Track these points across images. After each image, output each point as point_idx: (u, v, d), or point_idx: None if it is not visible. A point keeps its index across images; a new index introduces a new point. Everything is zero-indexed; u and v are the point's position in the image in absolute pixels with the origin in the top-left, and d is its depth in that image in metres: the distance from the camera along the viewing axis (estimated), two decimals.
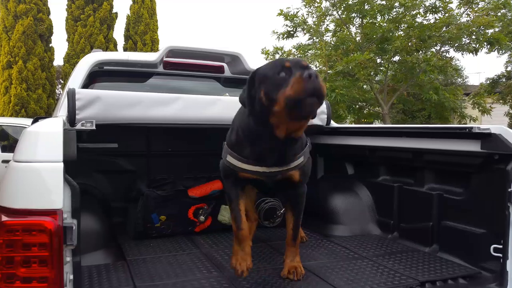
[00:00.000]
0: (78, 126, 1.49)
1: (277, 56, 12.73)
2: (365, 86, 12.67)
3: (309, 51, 12.55)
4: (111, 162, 3.23)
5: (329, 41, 12.55)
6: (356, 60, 10.76)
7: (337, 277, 1.98)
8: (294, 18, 12.37)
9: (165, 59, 3.49)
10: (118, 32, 34.32)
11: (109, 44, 12.92)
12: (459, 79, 14.72)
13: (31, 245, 1.21)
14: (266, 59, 12.81)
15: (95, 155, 3.17)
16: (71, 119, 2.49)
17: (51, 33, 12.26)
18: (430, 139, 2.40)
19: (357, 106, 13.49)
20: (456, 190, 2.35)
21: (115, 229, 2.80)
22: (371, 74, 11.95)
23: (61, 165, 1.30)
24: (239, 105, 1.96)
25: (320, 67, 12.31)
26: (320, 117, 3.27)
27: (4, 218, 1.22)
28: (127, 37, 13.68)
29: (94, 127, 1.56)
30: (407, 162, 2.66)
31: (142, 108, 2.66)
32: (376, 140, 2.87)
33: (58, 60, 19.35)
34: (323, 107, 3.27)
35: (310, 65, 1.78)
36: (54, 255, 1.22)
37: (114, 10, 13.21)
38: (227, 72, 3.71)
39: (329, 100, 11.81)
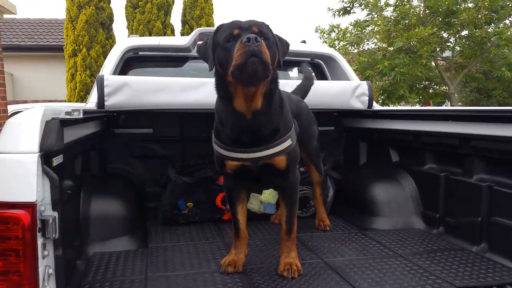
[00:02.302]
0: (62, 115, 1.43)
1: (333, 35, 12.19)
2: (432, 63, 11.71)
3: (367, 28, 11.84)
4: (146, 147, 3.25)
5: (388, 16, 11.72)
6: (418, 35, 9.95)
7: (361, 277, 1.80)
8: None
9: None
10: (175, 18, 35.09)
11: (166, 30, 13.15)
12: None
13: (6, 238, 1.17)
14: (321, 38, 12.34)
15: (130, 140, 3.21)
16: (100, 105, 2.50)
17: (111, 21, 12.76)
18: (478, 123, 2.11)
19: (421, 85, 12.59)
20: (508, 182, 2.04)
21: (146, 214, 2.81)
22: (436, 50, 11.02)
23: (35, 156, 1.24)
24: None
25: (378, 44, 11.60)
26: (361, 99, 3.02)
27: None
28: (183, 22, 13.83)
29: (81, 116, 1.49)
30: (454, 148, 2.37)
31: (170, 93, 2.62)
32: (421, 124, 2.60)
33: None
34: (364, 89, 3.02)
35: (265, 27, 1.73)
36: (27, 248, 1.18)
37: None
38: None
39: (389, 80, 11.11)
